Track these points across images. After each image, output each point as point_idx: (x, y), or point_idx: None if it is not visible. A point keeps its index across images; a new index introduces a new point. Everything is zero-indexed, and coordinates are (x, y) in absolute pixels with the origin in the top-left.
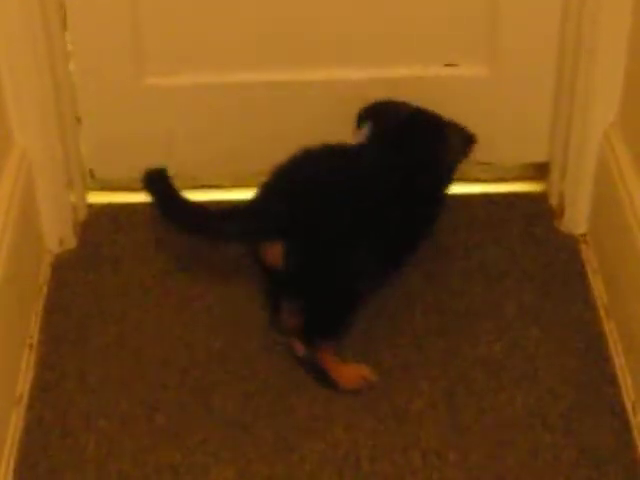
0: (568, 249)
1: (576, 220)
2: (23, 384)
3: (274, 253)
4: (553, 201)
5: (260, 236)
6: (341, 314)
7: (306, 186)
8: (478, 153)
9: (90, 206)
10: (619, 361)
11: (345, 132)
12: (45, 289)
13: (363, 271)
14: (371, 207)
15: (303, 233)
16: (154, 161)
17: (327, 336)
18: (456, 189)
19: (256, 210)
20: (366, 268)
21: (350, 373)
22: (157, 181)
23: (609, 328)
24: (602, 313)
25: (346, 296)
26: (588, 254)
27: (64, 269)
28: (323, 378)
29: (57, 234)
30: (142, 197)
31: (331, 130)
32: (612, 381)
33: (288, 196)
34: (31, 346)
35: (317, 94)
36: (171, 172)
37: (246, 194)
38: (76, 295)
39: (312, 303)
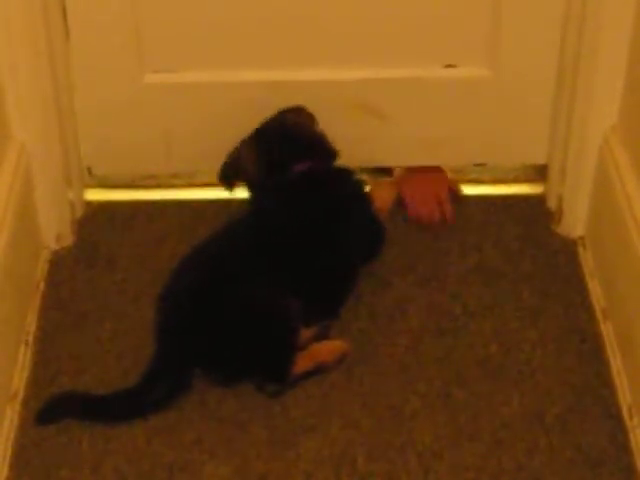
0: (566, 252)
1: (574, 223)
2: (19, 380)
3: None
4: (551, 204)
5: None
6: (284, 358)
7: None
8: (477, 154)
9: (88, 203)
10: (616, 363)
11: (342, 132)
12: (42, 285)
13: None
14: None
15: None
16: (153, 159)
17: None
18: None
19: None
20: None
21: (325, 350)
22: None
23: (606, 330)
24: (599, 315)
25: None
26: (586, 257)
27: (61, 266)
28: (311, 374)
29: (54, 231)
30: (140, 195)
31: (328, 130)
32: (608, 383)
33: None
34: (27, 342)
35: (316, 94)
36: (169, 170)
37: (244, 192)
38: (73, 292)
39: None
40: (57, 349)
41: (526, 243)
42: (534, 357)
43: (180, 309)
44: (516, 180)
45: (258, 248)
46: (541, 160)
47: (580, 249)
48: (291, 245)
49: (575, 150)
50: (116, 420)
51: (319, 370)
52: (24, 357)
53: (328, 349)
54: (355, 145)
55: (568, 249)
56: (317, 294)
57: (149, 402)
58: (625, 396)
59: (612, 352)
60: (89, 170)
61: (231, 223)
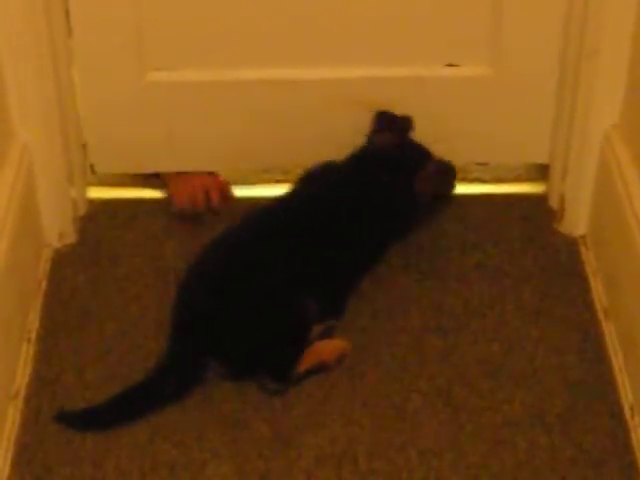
0: (568, 250)
1: (576, 222)
2: (21, 378)
3: None
4: (553, 202)
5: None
6: (291, 358)
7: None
8: (479, 153)
9: (90, 201)
10: (617, 363)
11: (344, 131)
12: (44, 284)
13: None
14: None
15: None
16: (155, 156)
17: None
18: (456, 189)
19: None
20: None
21: (326, 349)
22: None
23: (608, 329)
24: (601, 315)
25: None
26: (588, 256)
27: (63, 264)
28: (312, 373)
29: (57, 229)
30: (142, 193)
31: (330, 129)
32: (610, 382)
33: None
34: (29, 340)
35: (318, 93)
36: (171, 168)
37: (245, 191)
38: (75, 290)
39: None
40: (59, 347)
41: (528, 242)
42: (535, 356)
43: (202, 295)
44: (518, 179)
45: (284, 242)
46: (543, 159)
47: (582, 248)
48: (316, 243)
49: (577, 149)
50: (138, 415)
51: (320, 369)
52: (26, 355)
53: (330, 348)
54: (356, 144)
55: (570, 248)
56: (331, 294)
57: (165, 393)
58: (627, 395)
59: (614, 351)
60: (91, 168)
61: (261, 212)
